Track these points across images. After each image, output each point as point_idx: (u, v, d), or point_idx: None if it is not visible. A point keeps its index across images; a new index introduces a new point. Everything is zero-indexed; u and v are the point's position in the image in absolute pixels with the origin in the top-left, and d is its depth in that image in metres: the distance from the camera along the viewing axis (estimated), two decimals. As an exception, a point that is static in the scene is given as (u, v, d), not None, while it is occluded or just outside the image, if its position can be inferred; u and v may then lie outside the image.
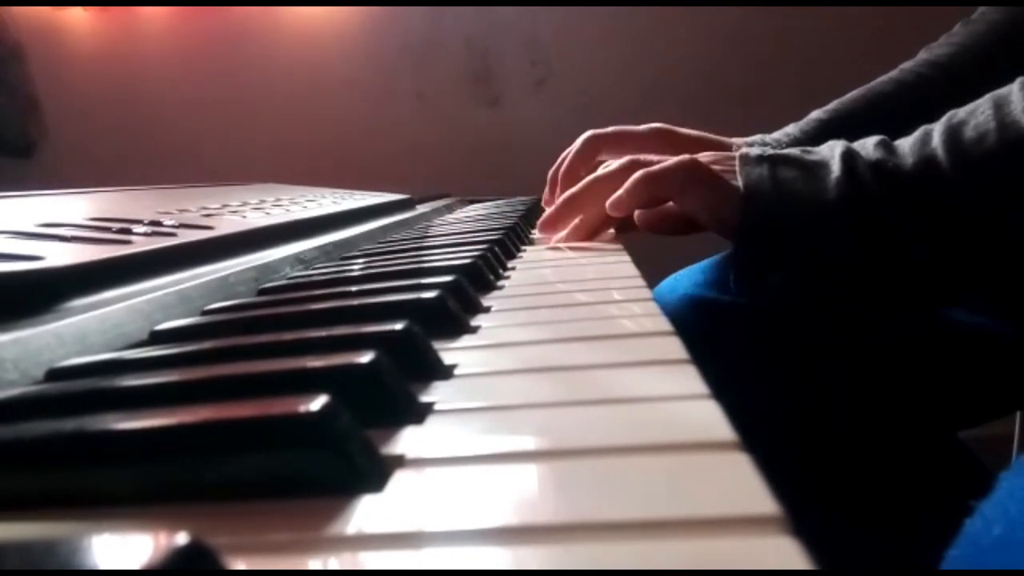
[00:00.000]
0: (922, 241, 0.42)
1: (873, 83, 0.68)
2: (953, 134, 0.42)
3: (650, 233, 0.55)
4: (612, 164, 0.54)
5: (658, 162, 0.50)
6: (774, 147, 0.62)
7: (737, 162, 0.47)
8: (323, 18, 1.67)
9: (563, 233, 0.58)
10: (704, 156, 0.51)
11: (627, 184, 0.50)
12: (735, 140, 0.67)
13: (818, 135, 0.65)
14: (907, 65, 0.68)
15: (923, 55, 0.69)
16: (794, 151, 0.47)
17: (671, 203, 0.51)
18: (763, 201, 0.44)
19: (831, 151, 0.45)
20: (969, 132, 0.41)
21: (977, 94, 0.43)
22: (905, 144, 0.44)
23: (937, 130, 0.43)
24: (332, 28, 1.67)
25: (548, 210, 0.58)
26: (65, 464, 0.17)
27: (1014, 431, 1.16)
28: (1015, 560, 0.24)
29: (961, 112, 0.43)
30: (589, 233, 0.57)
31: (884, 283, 0.44)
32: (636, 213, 0.53)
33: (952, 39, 0.68)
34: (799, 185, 0.44)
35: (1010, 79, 0.42)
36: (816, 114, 0.68)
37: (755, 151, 0.47)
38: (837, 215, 0.43)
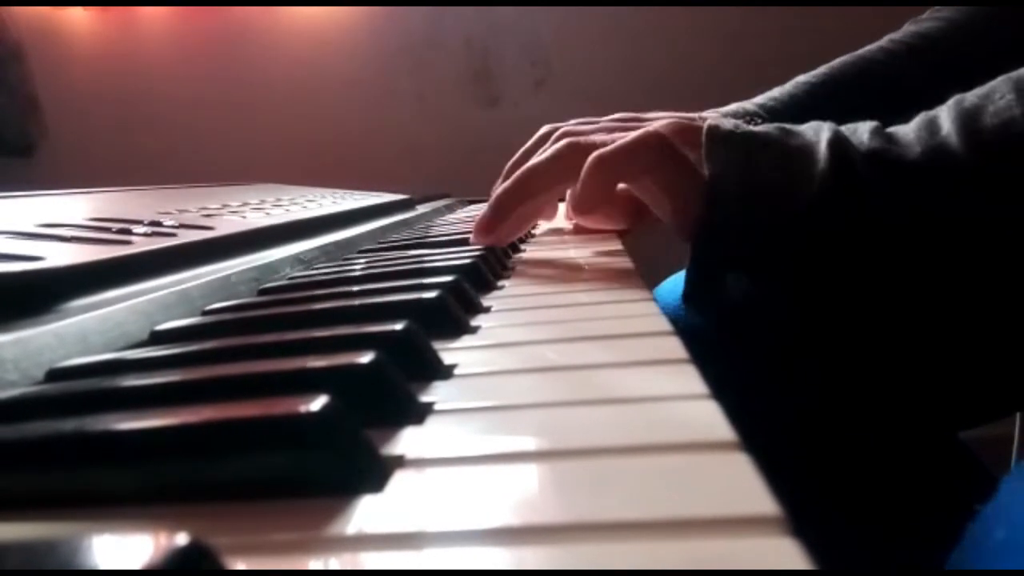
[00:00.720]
0: (921, 245, 0.36)
1: (862, 51, 0.68)
2: (968, 120, 0.36)
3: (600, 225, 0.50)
4: (546, 148, 0.46)
5: (606, 141, 0.42)
6: (753, 118, 0.58)
7: (704, 139, 0.39)
8: (323, 18, 1.67)
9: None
10: (665, 125, 0.43)
11: (583, 176, 0.42)
12: (705, 113, 0.61)
13: (807, 99, 0.64)
14: (895, 35, 0.69)
15: (910, 27, 0.69)
16: (774, 131, 0.40)
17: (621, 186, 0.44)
18: (731, 193, 0.38)
19: (816, 135, 0.39)
20: (988, 119, 0.35)
21: (966, 68, 0.40)
22: (907, 132, 0.38)
23: (946, 116, 0.37)
24: (332, 28, 1.67)
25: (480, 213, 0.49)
26: (66, 464, 0.17)
27: (1014, 432, 1.16)
28: (1018, 564, 0.24)
29: (971, 96, 0.37)
30: (507, 213, 0.48)
31: (864, 295, 0.39)
32: (569, 204, 0.47)
33: (939, 13, 0.68)
34: (776, 176, 0.37)
35: (1000, 54, 0.39)
36: (804, 77, 0.66)
37: (727, 124, 0.40)
38: (817, 214, 0.36)
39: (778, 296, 0.41)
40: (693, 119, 0.48)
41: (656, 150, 0.40)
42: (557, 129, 0.58)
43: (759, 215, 0.38)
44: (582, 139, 0.45)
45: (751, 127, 0.41)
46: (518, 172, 0.47)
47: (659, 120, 0.46)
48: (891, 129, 0.39)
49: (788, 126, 0.41)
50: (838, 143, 0.37)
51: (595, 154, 0.41)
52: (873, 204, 0.36)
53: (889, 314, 0.41)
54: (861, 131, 0.38)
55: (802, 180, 0.37)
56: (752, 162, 0.38)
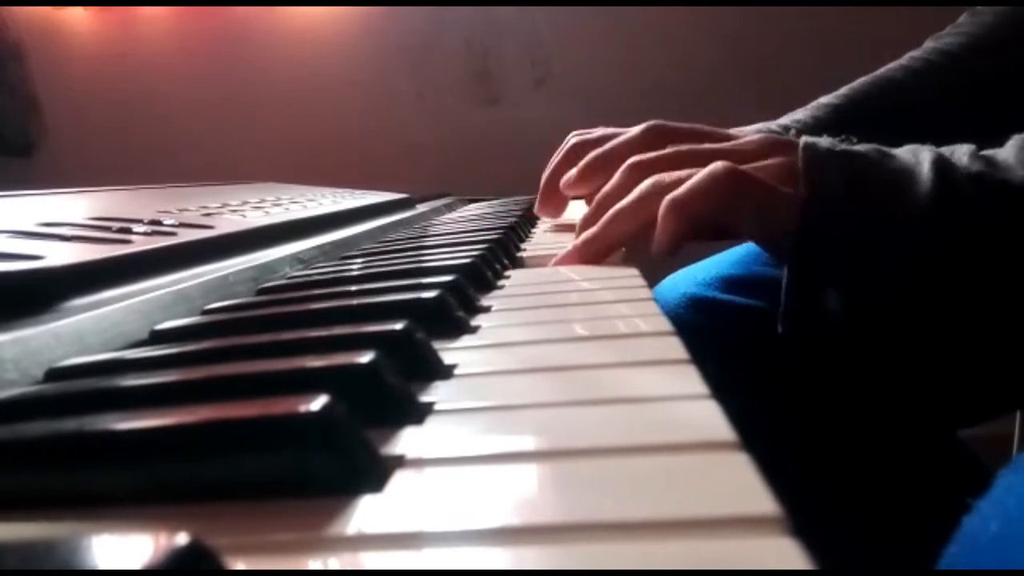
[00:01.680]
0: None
1: (881, 70, 0.68)
2: None
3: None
4: (614, 178, 0.44)
5: (682, 176, 0.40)
6: (848, 137, 0.57)
7: (800, 155, 0.39)
8: (323, 18, 1.67)
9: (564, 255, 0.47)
10: (753, 141, 0.42)
11: (661, 223, 0.40)
12: (735, 131, 0.63)
13: (830, 121, 0.63)
14: (916, 53, 0.68)
15: (931, 43, 0.68)
16: (870, 150, 0.40)
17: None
18: (833, 209, 0.38)
19: (915, 157, 0.39)
20: None
21: (988, 83, 0.40)
22: (1006, 156, 0.38)
23: None
24: (332, 28, 1.67)
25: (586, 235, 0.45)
26: (65, 464, 0.17)
27: (1014, 431, 1.16)
28: (1012, 557, 0.24)
29: None
30: (598, 256, 0.46)
31: (966, 313, 0.39)
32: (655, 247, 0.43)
33: (960, 29, 0.68)
34: (880, 193, 0.38)
35: (1021, 69, 0.39)
36: (827, 99, 0.66)
37: (824, 142, 0.40)
38: (927, 233, 0.37)
39: (877, 309, 0.41)
40: (730, 137, 0.46)
41: (731, 184, 0.38)
42: (583, 140, 0.54)
43: (862, 231, 0.38)
44: (667, 176, 0.42)
45: (848, 146, 0.40)
46: (604, 219, 0.44)
47: (746, 137, 0.44)
48: (986, 152, 0.39)
49: (884, 148, 0.41)
50: (941, 165, 0.38)
51: (669, 199, 0.39)
52: (983, 225, 0.37)
53: (939, 322, 0.41)
54: (959, 154, 0.39)
55: (909, 199, 0.37)
56: (854, 178, 0.38)
